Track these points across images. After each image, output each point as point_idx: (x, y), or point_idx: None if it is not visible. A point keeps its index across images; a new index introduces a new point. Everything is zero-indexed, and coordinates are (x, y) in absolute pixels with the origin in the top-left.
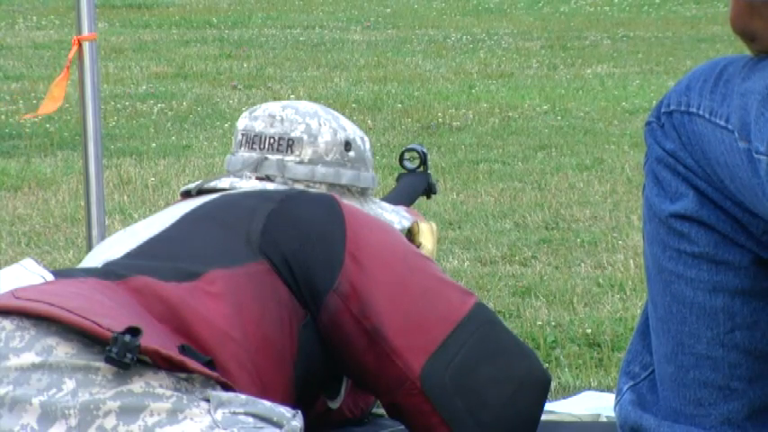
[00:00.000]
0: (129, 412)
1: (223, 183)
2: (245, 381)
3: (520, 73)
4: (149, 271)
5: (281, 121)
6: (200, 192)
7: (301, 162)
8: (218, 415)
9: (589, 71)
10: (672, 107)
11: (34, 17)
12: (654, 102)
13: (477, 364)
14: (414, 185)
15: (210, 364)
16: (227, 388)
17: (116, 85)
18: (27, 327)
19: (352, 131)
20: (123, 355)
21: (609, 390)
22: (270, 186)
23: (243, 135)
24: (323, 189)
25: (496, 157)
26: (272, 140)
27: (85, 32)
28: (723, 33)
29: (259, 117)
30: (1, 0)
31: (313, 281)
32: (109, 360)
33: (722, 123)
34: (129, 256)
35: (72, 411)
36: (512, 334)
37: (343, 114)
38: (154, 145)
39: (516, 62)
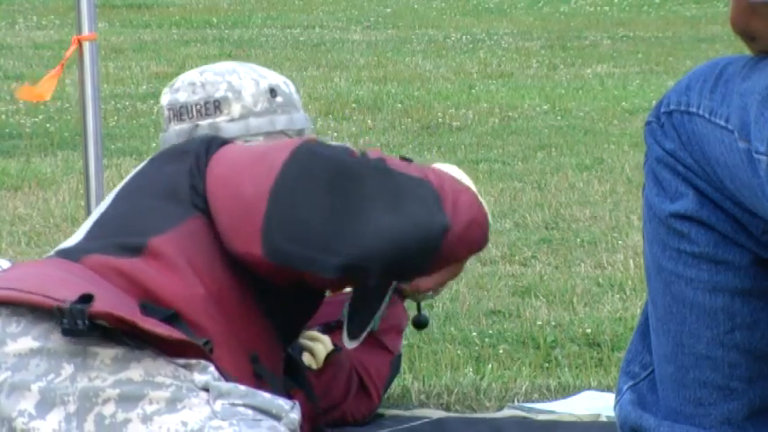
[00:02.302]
0: (128, 400)
1: None
2: (219, 333)
3: (520, 73)
4: (99, 250)
5: (203, 85)
6: None
7: (232, 120)
8: (218, 406)
9: (589, 71)
10: (672, 107)
11: (34, 17)
12: (654, 102)
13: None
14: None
15: (174, 317)
16: (207, 359)
17: (116, 85)
18: (23, 312)
19: (274, 77)
20: (74, 323)
21: (609, 390)
22: None
23: (169, 110)
24: (260, 141)
25: (496, 156)
26: (198, 107)
27: (85, 32)
28: (723, 33)
29: (180, 88)
30: (1, 0)
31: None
32: (65, 332)
33: (722, 123)
34: (79, 242)
35: (71, 398)
36: (330, 161)
37: (343, 114)
38: (154, 145)
39: (516, 62)
